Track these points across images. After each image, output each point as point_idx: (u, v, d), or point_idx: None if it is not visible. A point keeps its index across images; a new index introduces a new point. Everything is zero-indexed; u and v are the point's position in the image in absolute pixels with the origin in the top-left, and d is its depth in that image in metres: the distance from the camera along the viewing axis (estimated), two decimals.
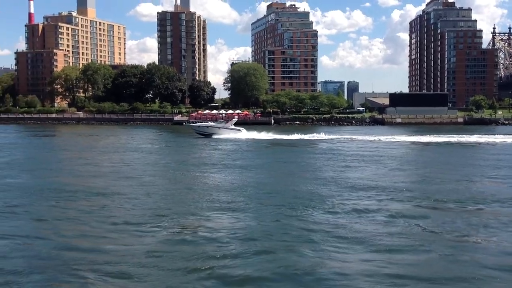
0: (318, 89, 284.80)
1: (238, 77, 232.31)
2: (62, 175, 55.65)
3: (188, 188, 46.06)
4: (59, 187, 45.97)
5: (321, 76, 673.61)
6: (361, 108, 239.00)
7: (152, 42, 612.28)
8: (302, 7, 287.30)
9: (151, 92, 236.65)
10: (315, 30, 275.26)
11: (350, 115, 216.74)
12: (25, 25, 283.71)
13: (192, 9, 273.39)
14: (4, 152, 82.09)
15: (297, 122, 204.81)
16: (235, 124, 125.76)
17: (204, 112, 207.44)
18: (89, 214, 34.74)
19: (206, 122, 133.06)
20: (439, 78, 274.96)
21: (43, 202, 38.95)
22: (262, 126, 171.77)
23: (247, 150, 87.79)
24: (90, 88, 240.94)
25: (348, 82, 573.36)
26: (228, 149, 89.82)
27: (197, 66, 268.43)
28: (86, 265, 23.98)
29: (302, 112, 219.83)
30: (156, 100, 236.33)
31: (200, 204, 38.01)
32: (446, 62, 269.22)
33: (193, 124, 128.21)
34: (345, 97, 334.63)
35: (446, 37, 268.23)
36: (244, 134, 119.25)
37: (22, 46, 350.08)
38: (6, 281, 22.29)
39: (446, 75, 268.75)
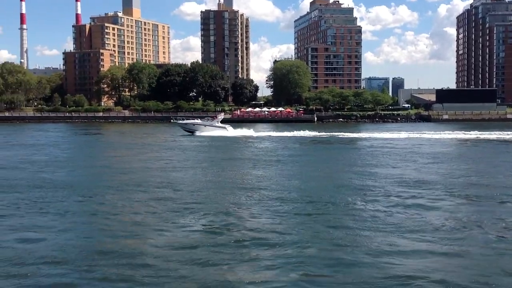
0: (362, 86, 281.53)
1: (280, 74, 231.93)
2: (95, 171, 56.73)
3: (225, 184, 45.97)
4: (91, 183, 46.73)
5: (365, 73, 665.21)
6: (406, 105, 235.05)
7: (195, 41, 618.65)
8: (346, 3, 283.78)
9: (194, 90, 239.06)
10: (359, 26, 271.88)
11: (395, 112, 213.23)
12: (73, 26, 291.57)
13: (235, 8, 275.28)
14: (45, 150, 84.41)
15: (340, 119, 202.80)
16: (222, 122, 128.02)
17: (247, 110, 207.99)
18: (117, 209, 35.09)
19: (194, 119, 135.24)
20: (487, 74, 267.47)
21: (73, 197, 39.59)
22: (305, 124, 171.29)
23: (284, 148, 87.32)
24: (135, 87, 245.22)
25: (393, 79, 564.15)
26: (264, 147, 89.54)
27: (240, 64, 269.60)
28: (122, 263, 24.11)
29: (346, 109, 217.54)
30: (200, 98, 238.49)
31: (243, 199, 37.87)
32: (494, 57, 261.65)
33: (180, 122, 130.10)
34: (390, 93, 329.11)
35: (495, 32, 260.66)
36: (230, 131, 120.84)
37: (69, 46, 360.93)
38: (40, 277, 22.57)
39: (494, 70, 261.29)
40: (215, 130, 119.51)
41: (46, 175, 52.08)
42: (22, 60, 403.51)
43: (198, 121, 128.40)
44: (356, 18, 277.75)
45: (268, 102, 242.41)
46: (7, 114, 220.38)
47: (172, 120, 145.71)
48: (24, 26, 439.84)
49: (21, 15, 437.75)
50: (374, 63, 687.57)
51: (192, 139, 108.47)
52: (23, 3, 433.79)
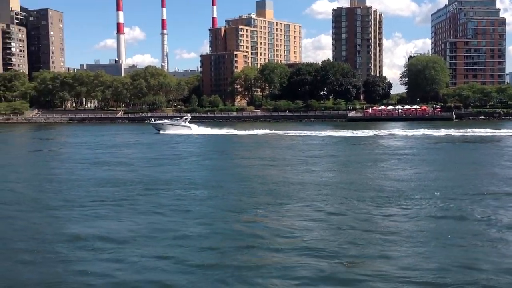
0: (506, 81, 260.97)
1: (416, 71, 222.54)
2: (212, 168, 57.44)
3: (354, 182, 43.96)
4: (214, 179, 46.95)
5: (510, 67, 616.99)
6: None
7: (327, 39, 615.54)
8: None
9: (325, 89, 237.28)
10: (503, 17, 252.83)
11: None
12: (209, 29, 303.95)
13: (368, 4, 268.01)
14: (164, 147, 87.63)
15: (482, 117, 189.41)
16: (191, 122, 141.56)
17: (379, 108, 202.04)
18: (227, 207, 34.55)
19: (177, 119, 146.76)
20: None
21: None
22: (442, 122, 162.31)
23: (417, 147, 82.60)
24: (267, 87, 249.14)
25: None
26: (394, 145, 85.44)
27: (372, 61, 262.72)
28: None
29: (488, 106, 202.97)
30: (330, 97, 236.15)
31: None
32: None
33: (153, 122, 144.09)
34: None
35: None
36: (195, 130, 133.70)
37: (206, 49, 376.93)
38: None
39: None
40: (180, 129, 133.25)
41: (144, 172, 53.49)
42: (163, 64, 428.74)
43: (166, 121, 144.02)
44: (499, 10, 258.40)
45: (402, 100, 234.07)
46: (149, 114, 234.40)
47: (146, 121, 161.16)
48: (165, 31, 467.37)
49: (162, 21, 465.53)
50: None
51: (318, 140, 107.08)
52: (164, 9, 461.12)
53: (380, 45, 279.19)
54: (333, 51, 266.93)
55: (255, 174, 51.12)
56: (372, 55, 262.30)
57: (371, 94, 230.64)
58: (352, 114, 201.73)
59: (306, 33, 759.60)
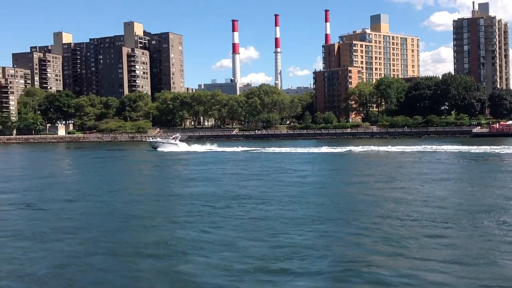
0: None
1: None
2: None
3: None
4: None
5: None
6: None
7: (447, 52, 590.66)
8: None
9: (446, 103, 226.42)
10: None
11: None
12: (322, 46, 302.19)
13: (491, 14, 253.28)
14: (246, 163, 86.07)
15: None
16: (181, 140, 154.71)
17: (507, 123, 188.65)
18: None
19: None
20: None
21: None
22: None
23: None
24: (383, 103, 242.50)
25: None
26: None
27: (498, 74, 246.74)
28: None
29: None
30: (452, 112, 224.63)
31: None
32: None
33: (150, 140, 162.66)
34: None
35: None
36: (181, 147, 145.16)
37: (319, 66, 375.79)
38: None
39: None
40: (169, 146, 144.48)
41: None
42: (277, 81, 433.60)
43: (159, 139, 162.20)
44: None
45: None
46: (264, 132, 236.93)
47: (143, 140, 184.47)
48: (278, 50, 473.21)
49: (276, 39, 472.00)
50: None
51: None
52: (278, 28, 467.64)
53: (506, 56, 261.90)
54: (454, 64, 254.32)
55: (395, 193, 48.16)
56: (497, 67, 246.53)
57: (497, 109, 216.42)
58: (477, 129, 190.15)
59: (425, 46, 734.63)
